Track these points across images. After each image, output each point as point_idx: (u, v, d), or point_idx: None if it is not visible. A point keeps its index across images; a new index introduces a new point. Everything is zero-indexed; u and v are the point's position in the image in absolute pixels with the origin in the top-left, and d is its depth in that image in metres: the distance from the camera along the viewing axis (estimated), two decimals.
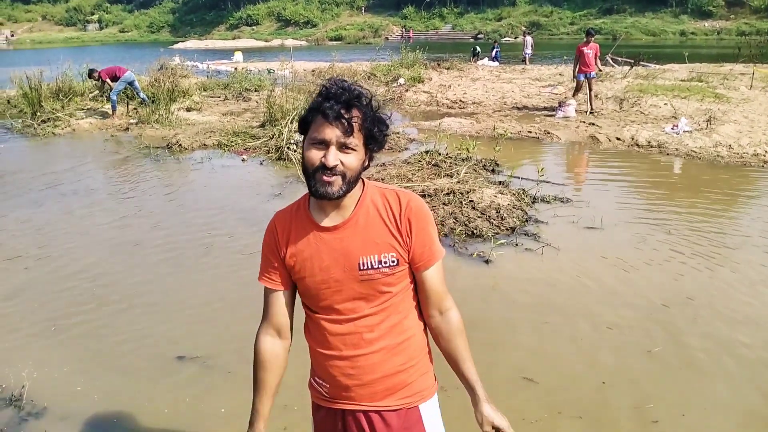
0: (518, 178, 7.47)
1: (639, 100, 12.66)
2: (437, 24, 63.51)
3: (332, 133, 1.49)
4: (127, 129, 11.74)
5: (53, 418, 3.18)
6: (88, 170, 8.71)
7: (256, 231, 5.94)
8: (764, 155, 8.56)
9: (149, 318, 4.26)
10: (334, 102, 1.49)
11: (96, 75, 12.61)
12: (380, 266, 1.58)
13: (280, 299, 1.71)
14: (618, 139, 9.94)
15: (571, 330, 3.98)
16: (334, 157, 1.50)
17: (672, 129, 9.97)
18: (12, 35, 77.95)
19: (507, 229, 5.75)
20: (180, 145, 9.88)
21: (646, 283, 4.66)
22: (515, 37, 53.20)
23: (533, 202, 6.59)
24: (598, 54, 12.42)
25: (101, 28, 79.38)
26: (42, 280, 4.93)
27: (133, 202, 7.10)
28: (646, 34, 50.34)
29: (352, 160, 1.53)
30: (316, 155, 1.52)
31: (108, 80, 12.34)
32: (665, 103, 12.25)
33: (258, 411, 1.72)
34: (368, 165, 1.62)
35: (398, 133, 10.30)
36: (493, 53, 23.91)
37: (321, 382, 1.72)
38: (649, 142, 9.57)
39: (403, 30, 60.32)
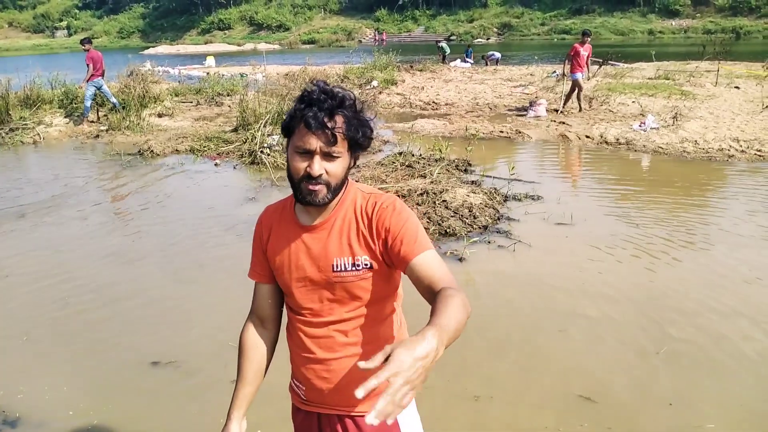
0: (490, 177, 7.57)
1: (608, 98, 12.89)
2: (410, 26, 63.76)
3: (316, 142, 1.48)
4: (98, 136, 11.61)
5: (28, 427, 3.15)
6: (60, 179, 8.58)
7: (231, 234, 5.94)
8: (728, 150, 8.79)
9: (122, 324, 4.23)
10: (317, 110, 1.47)
11: (86, 47, 12.06)
12: (353, 269, 1.58)
13: (264, 292, 1.75)
14: (587, 137, 10.12)
15: (551, 324, 4.06)
16: (318, 166, 1.50)
17: (639, 126, 10.18)
18: None
19: (480, 228, 5.83)
20: (152, 151, 9.80)
21: (619, 278, 4.76)
22: (487, 39, 53.72)
23: (505, 201, 6.69)
24: (590, 55, 12.50)
25: (70, 35, 78.07)
26: (16, 290, 4.86)
27: (104, 209, 7.03)
28: (615, 34, 51.18)
29: (337, 167, 1.53)
30: (300, 164, 1.52)
31: (90, 65, 11.89)
32: (633, 101, 12.48)
33: (235, 399, 1.73)
34: (354, 165, 1.63)
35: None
36: (466, 56, 24.12)
37: (299, 384, 1.74)
38: (617, 140, 9.75)
39: (376, 33, 60.48)
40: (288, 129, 1.56)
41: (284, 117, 1.61)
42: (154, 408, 3.30)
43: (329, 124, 1.48)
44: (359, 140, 1.54)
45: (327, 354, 1.65)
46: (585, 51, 12.01)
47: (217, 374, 3.56)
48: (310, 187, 1.51)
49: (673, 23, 52.37)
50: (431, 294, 1.45)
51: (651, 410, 3.15)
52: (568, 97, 12.30)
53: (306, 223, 1.64)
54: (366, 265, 1.59)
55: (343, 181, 1.59)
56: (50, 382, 3.54)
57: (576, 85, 12.03)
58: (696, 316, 4.10)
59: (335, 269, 1.59)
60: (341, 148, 1.52)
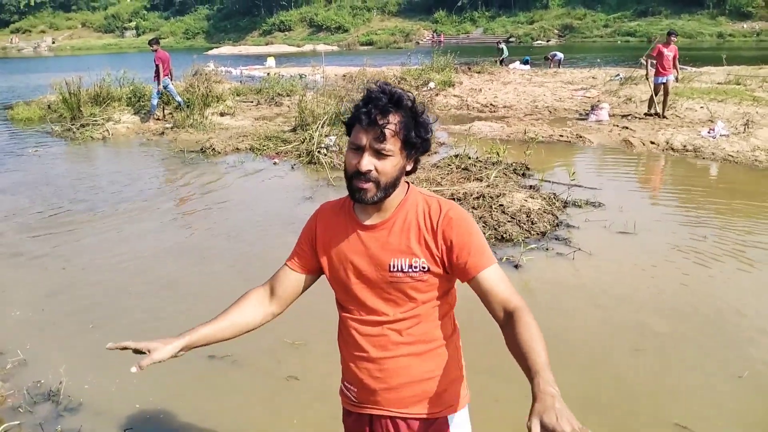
0: (549, 182, 7.40)
1: (674, 103, 12.42)
2: (468, 28, 63.26)
3: (367, 138, 1.51)
4: (163, 133, 11.99)
5: (89, 414, 3.27)
6: (126, 175, 8.91)
7: (291, 234, 6.01)
8: None
9: (186, 317, 4.34)
10: (372, 107, 1.50)
11: (154, 48, 12.44)
12: (409, 270, 1.58)
13: (290, 276, 1.76)
14: (652, 143, 9.78)
15: (623, 342, 3.89)
16: (367, 162, 1.51)
17: (708, 133, 9.77)
18: (53, 42, 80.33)
19: (537, 234, 5.70)
20: (213, 149, 10.06)
21: (688, 292, 4.55)
22: (547, 41, 52.76)
23: (564, 207, 6.53)
24: (677, 56, 11.70)
25: (138, 35, 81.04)
26: (84, 280, 5.06)
27: (169, 206, 7.25)
28: (682, 37, 49.25)
29: (387, 166, 1.52)
30: (352, 160, 1.54)
31: (160, 65, 12.26)
32: (701, 107, 12.00)
33: (195, 327, 1.71)
34: (413, 169, 1.62)
35: None
36: (524, 61, 23.70)
37: (350, 386, 1.74)
38: (684, 146, 9.39)
39: (434, 34, 60.28)
40: (348, 126, 1.59)
41: (342, 118, 1.62)
42: (207, 397, 3.37)
43: (380, 122, 1.49)
44: (411, 139, 1.54)
45: (380, 353, 1.65)
46: (670, 52, 11.37)
47: (269, 369, 3.61)
48: (360, 184, 1.52)
49: (745, 26, 50.08)
50: (501, 311, 1.55)
51: None
52: (651, 101, 11.84)
53: (365, 221, 1.65)
54: (423, 268, 1.59)
55: (396, 181, 1.57)
56: (115, 373, 3.65)
57: (658, 90, 11.55)
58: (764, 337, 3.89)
59: (392, 269, 1.60)
60: (392, 146, 1.52)
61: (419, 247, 1.59)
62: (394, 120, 1.51)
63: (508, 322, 1.52)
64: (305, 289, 1.80)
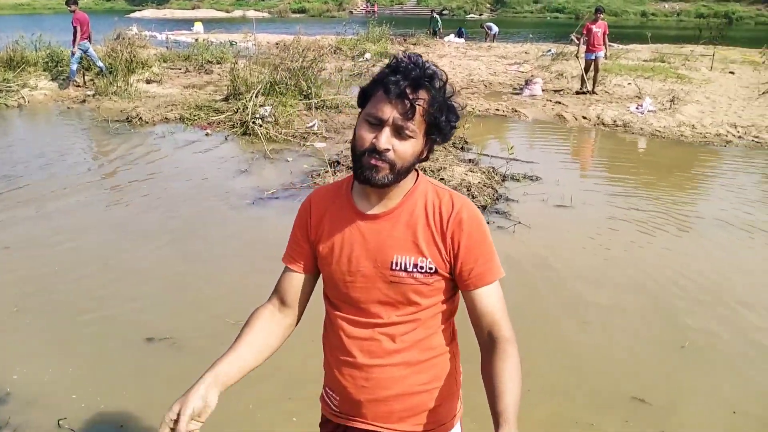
0: (488, 155, 7.46)
1: (603, 79, 12.77)
2: None
3: (391, 112, 1.30)
4: (84, 101, 11.28)
5: (18, 405, 3.02)
6: (48, 145, 8.34)
7: (227, 208, 5.79)
8: (726, 135, 8.76)
9: (117, 298, 4.10)
10: (401, 78, 1.30)
11: (72, 9, 11.63)
12: (414, 270, 1.40)
13: (297, 281, 1.53)
14: (584, 117, 10.03)
15: (571, 314, 3.94)
16: (386, 139, 1.31)
17: (636, 108, 10.10)
18: None
19: (478, 207, 5.72)
20: (140, 118, 9.54)
21: (625, 263, 4.69)
22: (480, 14, 53.14)
23: (503, 181, 6.59)
24: (607, 32, 11.81)
25: None
26: (3, 259, 4.70)
27: (97, 179, 6.83)
28: (608, 14, 50.72)
29: (407, 148, 1.33)
30: (367, 134, 1.34)
31: (78, 27, 11.48)
32: (629, 83, 12.39)
33: (218, 363, 1.38)
34: (426, 157, 1.43)
35: None
36: (459, 33, 23.75)
37: (331, 393, 1.56)
38: (614, 121, 9.67)
39: (368, 4, 59.50)
40: (364, 95, 1.39)
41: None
42: (145, 384, 3.20)
43: (411, 95, 1.30)
44: (441, 124, 1.35)
45: (369, 360, 1.46)
46: (598, 28, 11.51)
47: (211, 351, 3.45)
48: (373, 161, 1.32)
49: (666, 5, 52.11)
50: (487, 335, 1.40)
51: (702, 410, 3.06)
52: (583, 77, 12.04)
53: (365, 210, 1.45)
54: (430, 269, 1.41)
55: (410, 168, 1.39)
56: (44, 359, 3.41)
57: (588, 66, 11.76)
58: (709, 306, 4.05)
59: (394, 267, 1.41)
60: (417, 127, 1.33)
61: (427, 245, 1.41)
62: (424, 97, 1.32)
63: (490, 349, 1.38)
64: (313, 289, 1.58)
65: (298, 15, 55.08)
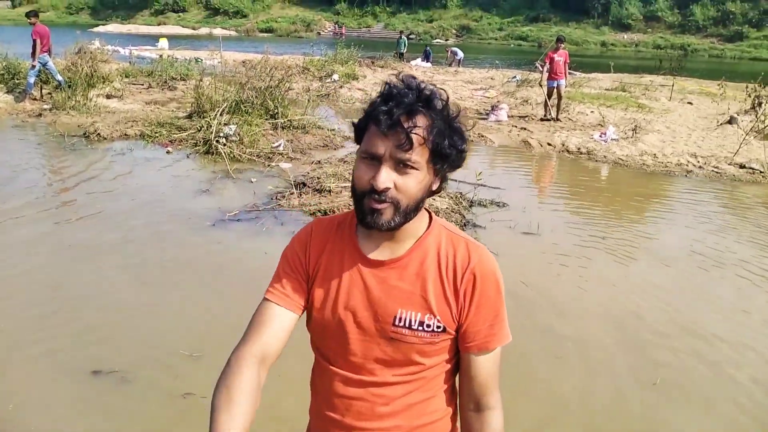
0: (455, 180, 7.39)
1: (567, 107, 12.96)
2: (370, 22, 63.36)
3: (386, 145, 1.17)
4: (40, 115, 10.88)
5: None
6: None
7: (186, 230, 5.56)
8: (687, 165, 8.91)
9: (64, 328, 3.84)
10: (394, 104, 1.17)
11: (32, 21, 11.32)
12: (420, 329, 1.25)
13: (282, 320, 1.29)
14: (549, 144, 10.11)
15: (543, 347, 3.84)
16: (385, 177, 1.17)
17: (600, 137, 10.24)
18: None
19: None
20: (99, 134, 9.22)
21: (593, 293, 4.63)
22: (446, 39, 53.92)
23: (470, 206, 6.54)
24: (568, 61, 12.05)
25: (14, 7, 74.09)
26: None
27: (49, 198, 6.50)
28: (569, 44, 52.06)
29: (410, 183, 1.19)
30: (364, 174, 1.20)
31: (38, 40, 11.14)
32: (591, 111, 12.60)
33: None
34: (439, 188, 1.28)
35: (333, 130, 10.07)
36: (426, 56, 23.96)
37: None
38: (578, 149, 9.78)
39: (336, 26, 59.84)
40: (358, 131, 1.26)
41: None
42: (89, 421, 2.96)
43: (406, 124, 1.17)
44: (445, 150, 1.20)
45: (358, 422, 1.30)
46: (560, 57, 11.71)
47: (163, 385, 3.24)
48: (373, 204, 1.19)
49: (625, 36, 53.77)
50: (473, 401, 1.32)
51: None
52: (546, 104, 12.16)
53: (370, 254, 1.30)
54: (438, 328, 1.26)
55: (419, 204, 1.24)
56: None
57: (551, 93, 11.90)
58: (680, 339, 4.01)
59: (397, 323, 1.26)
60: (419, 157, 1.18)
61: (437, 301, 1.26)
62: (422, 123, 1.18)
63: (474, 416, 1.31)
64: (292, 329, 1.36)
65: (265, 34, 55.00)
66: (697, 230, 6.22)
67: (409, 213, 1.21)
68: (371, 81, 16.41)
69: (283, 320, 1.30)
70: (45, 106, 11.30)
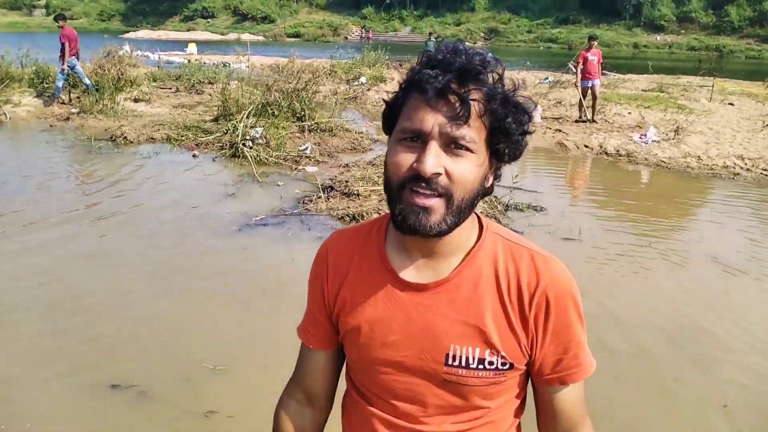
0: None
1: (603, 108, 12.53)
2: (397, 26, 63.30)
3: (434, 118, 0.89)
4: (68, 119, 10.87)
5: None
6: (24, 165, 7.91)
7: (210, 235, 5.36)
8: (733, 167, 8.45)
9: (84, 340, 3.63)
10: (440, 71, 0.90)
11: (60, 24, 11.36)
12: (481, 368, 0.98)
13: (319, 361, 1.14)
14: (586, 146, 9.72)
15: (599, 365, 3.49)
16: (435, 159, 0.89)
17: (640, 138, 9.81)
18: None
19: None
20: (125, 137, 9.14)
21: (645, 306, 4.27)
22: (474, 43, 53.52)
23: (506, 210, 6.22)
24: (602, 61, 11.66)
25: (49, 14, 75.65)
26: None
27: (75, 202, 6.37)
28: (601, 46, 51.33)
29: (467, 169, 0.91)
30: (404, 158, 0.92)
31: (66, 44, 11.15)
32: (629, 112, 12.16)
33: None
34: (491, 188, 1.01)
35: (361, 133, 9.84)
36: None
37: None
38: (617, 151, 9.37)
39: (363, 30, 59.89)
40: (391, 113, 0.97)
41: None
42: None
43: (460, 90, 0.89)
44: (509, 126, 0.93)
45: None
46: (593, 56, 11.31)
47: (183, 403, 3.01)
48: (418, 199, 0.90)
49: (658, 38, 52.74)
50: (554, 426, 1.07)
51: None
52: (580, 105, 11.78)
53: (408, 276, 1.01)
54: (504, 365, 0.99)
55: (474, 200, 0.95)
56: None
57: (586, 93, 11.49)
58: (743, 355, 3.64)
59: (450, 362, 0.99)
60: (476, 135, 0.91)
61: (500, 332, 0.98)
62: (476, 91, 0.90)
63: None
64: (342, 363, 1.19)
65: (293, 39, 55.31)
66: (753, 235, 5.81)
67: (463, 212, 0.93)
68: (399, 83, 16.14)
69: (317, 360, 1.13)
70: (73, 110, 11.30)
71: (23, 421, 2.84)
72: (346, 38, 56.35)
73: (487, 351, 0.98)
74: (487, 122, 0.92)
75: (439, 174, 0.89)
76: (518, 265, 1.00)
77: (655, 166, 8.70)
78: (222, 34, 57.28)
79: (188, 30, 60.05)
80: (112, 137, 9.23)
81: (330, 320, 1.10)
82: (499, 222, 5.75)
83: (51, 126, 10.51)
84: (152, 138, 9.26)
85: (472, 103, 0.89)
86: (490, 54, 0.95)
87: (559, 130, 10.78)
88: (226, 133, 8.88)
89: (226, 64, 18.75)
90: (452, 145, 0.90)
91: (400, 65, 19.11)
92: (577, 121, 11.63)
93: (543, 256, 1.02)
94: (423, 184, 0.89)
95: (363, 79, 15.96)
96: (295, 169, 7.68)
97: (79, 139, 9.31)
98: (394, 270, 1.02)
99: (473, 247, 1.01)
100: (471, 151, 0.91)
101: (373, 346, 1.02)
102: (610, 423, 2.96)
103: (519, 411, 1.10)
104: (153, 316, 3.93)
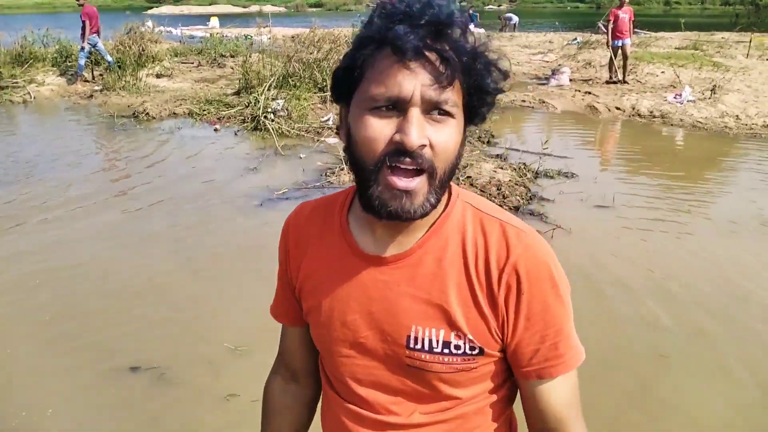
0: (517, 150, 6.87)
1: (634, 68, 12.06)
2: None
3: (413, 81, 0.75)
4: (92, 96, 10.87)
5: None
6: (47, 143, 7.92)
7: (233, 210, 5.27)
8: None
9: (104, 319, 3.59)
10: (410, 26, 0.75)
11: (81, 2, 11.31)
12: (446, 352, 0.86)
13: (292, 338, 1.09)
14: (618, 108, 9.37)
15: (638, 344, 3.27)
16: (419, 129, 0.76)
17: (674, 98, 9.41)
18: None
19: (510, 209, 5.15)
20: (147, 113, 9.09)
21: (688, 275, 4.03)
22: (499, 5, 52.25)
23: (536, 177, 6.00)
24: (633, 18, 11.17)
25: None
26: None
27: (97, 179, 6.35)
28: (631, 3, 49.70)
29: (449, 136, 0.79)
30: (380, 130, 0.77)
31: (87, 21, 11.10)
32: (662, 72, 11.68)
33: None
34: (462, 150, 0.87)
35: None
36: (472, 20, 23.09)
37: None
38: (651, 112, 9.01)
39: None
40: (347, 76, 0.81)
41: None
42: (123, 424, 2.69)
43: (437, 46, 0.76)
44: (487, 87, 0.80)
45: None
46: (624, 14, 10.83)
47: (204, 385, 2.94)
48: (400, 181, 0.77)
49: None
50: (541, 425, 0.90)
51: None
52: (611, 65, 11.35)
53: (366, 248, 0.90)
54: (472, 350, 0.86)
55: (453, 172, 0.82)
56: (15, 391, 2.92)
57: (616, 53, 11.04)
58: None
59: (412, 345, 0.87)
60: (458, 98, 0.79)
61: (466, 312, 0.85)
62: (453, 47, 0.77)
63: None
64: None
65: (314, 9, 54.71)
66: None
67: (444, 186, 0.82)
68: None
69: (293, 336, 1.08)
70: (96, 87, 11.29)
71: (44, 408, 2.81)
72: (369, 6, 55.52)
73: (452, 334, 0.85)
74: (464, 83, 0.79)
75: (425, 146, 0.76)
76: (488, 238, 0.86)
77: (690, 126, 8.34)
78: (244, 6, 56.95)
79: (210, 4, 59.82)
80: (134, 113, 9.19)
81: (293, 296, 1.02)
82: (529, 190, 5.56)
83: (75, 104, 10.53)
84: (174, 113, 9.21)
85: (451, 61, 0.76)
86: (454, 3, 0.79)
87: (589, 93, 10.40)
88: (247, 106, 8.76)
89: (248, 36, 18.57)
90: (434, 112, 0.77)
91: None
92: (607, 82, 11.23)
93: (516, 229, 0.87)
94: (407, 159, 0.76)
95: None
96: (318, 140, 7.54)
97: (102, 116, 9.30)
98: (354, 242, 0.91)
99: (440, 217, 0.88)
100: (452, 116, 0.78)
101: (333, 325, 0.92)
102: (660, 405, 2.79)
103: (501, 407, 0.96)
104: (172, 294, 3.86)
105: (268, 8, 50.15)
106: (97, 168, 6.79)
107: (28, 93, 11.03)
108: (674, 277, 4.00)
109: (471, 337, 0.85)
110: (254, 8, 54.31)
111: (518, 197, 5.34)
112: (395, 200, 0.78)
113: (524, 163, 6.27)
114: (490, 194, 5.31)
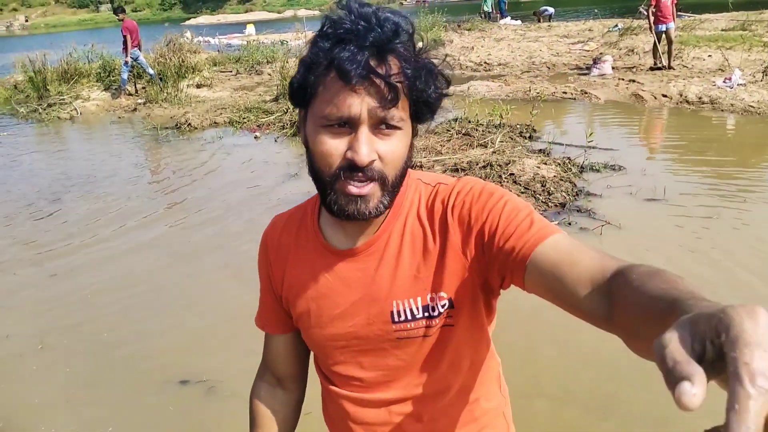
0: (560, 144, 6.69)
1: (680, 52, 11.64)
2: None
3: (360, 103, 0.81)
4: (135, 109, 11.14)
5: None
6: (94, 158, 8.13)
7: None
8: None
9: (154, 332, 3.64)
10: (356, 47, 0.79)
11: (120, 17, 11.63)
12: (426, 315, 0.93)
13: (278, 346, 1.15)
14: (664, 96, 9.05)
15: None
16: (369, 146, 0.83)
17: (724, 82, 9.03)
18: (26, 20, 77.85)
19: (556, 206, 5.02)
20: (189, 124, 9.25)
21: (753, 272, 3.81)
22: None
23: (581, 172, 5.83)
24: (676, 1, 10.72)
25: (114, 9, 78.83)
26: (33, 285, 4.35)
27: (143, 192, 6.49)
28: None
29: (396, 146, 0.86)
30: (334, 146, 0.84)
31: (128, 36, 11.38)
32: (709, 55, 11.23)
33: None
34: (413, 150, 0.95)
35: None
36: (500, 9, 22.85)
37: None
38: (699, 98, 8.66)
39: None
40: (302, 91, 0.86)
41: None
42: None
43: (380, 69, 0.80)
44: (429, 98, 0.86)
45: None
46: None
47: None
48: (353, 188, 0.85)
49: None
50: (598, 293, 0.73)
51: None
52: (654, 50, 10.99)
53: (340, 245, 0.99)
54: (451, 306, 0.93)
55: (404, 174, 0.91)
56: (68, 404, 2.98)
57: (660, 38, 10.68)
58: None
59: (396, 319, 0.94)
60: (403, 112, 0.85)
61: (436, 270, 0.93)
62: (396, 67, 0.82)
63: (615, 293, 0.70)
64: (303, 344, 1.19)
65: None
66: None
67: (396, 187, 0.91)
68: (458, 45, 15.64)
69: (278, 344, 1.14)
70: (139, 101, 11.56)
71: (100, 417, 2.85)
72: (402, 4, 55.38)
73: (428, 296, 0.93)
74: (410, 96, 0.85)
75: (373, 160, 0.84)
76: (434, 200, 0.96)
77: (742, 112, 7.99)
78: (278, 12, 57.62)
79: (246, 11, 60.77)
80: (177, 125, 9.37)
81: (281, 305, 1.08)
82: (575, 186, 5.41)
83: (119, 118, 10.80)
84: (215, 122, 9.34)
85: (398, 84, 0.81)
86: (399, 14, 0.85)
87: (633, 81, 10.09)
88: (286, 113, 8.83)
89: (284, 41, 18.75)
90: (382, 126, 0.84)
91: (459, 26, 18.53)
92: (652, 69, 10.87)
93: (452, 180, 0.98)
94: (359, 174, 0.84)
95: (420, 44, 15.54)
96: None
97: (147, 129, 9.51)
98: (327, 243, 0.99)
99: (396, 201, 0.96)
100: (399, 128, 0.85)
101: (324, 323, 1.00)
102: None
103: (489, 362, 1.05)
104: (222, 305, 3.89)
105: (302, 12, 50.62)
106: (140, 180, 6.92)
107: (75, 109, 11.37)
108: (745, 266, 3.83)
109: (444, 294, 0.92)
110: (288, 13, 54.90)
111: (564, 193, 5.19)
112: (351, 204, 0.86)
113: (569, 158, 6.10)
114: (534, 191, 5.19)
